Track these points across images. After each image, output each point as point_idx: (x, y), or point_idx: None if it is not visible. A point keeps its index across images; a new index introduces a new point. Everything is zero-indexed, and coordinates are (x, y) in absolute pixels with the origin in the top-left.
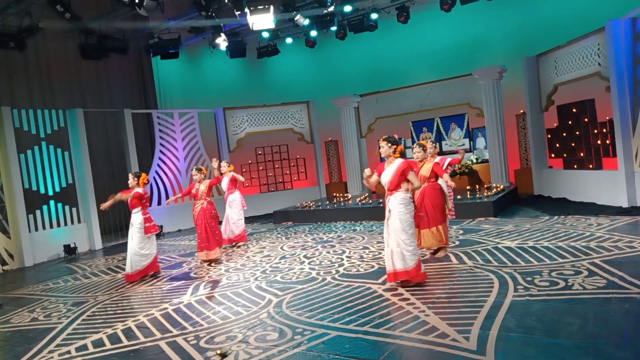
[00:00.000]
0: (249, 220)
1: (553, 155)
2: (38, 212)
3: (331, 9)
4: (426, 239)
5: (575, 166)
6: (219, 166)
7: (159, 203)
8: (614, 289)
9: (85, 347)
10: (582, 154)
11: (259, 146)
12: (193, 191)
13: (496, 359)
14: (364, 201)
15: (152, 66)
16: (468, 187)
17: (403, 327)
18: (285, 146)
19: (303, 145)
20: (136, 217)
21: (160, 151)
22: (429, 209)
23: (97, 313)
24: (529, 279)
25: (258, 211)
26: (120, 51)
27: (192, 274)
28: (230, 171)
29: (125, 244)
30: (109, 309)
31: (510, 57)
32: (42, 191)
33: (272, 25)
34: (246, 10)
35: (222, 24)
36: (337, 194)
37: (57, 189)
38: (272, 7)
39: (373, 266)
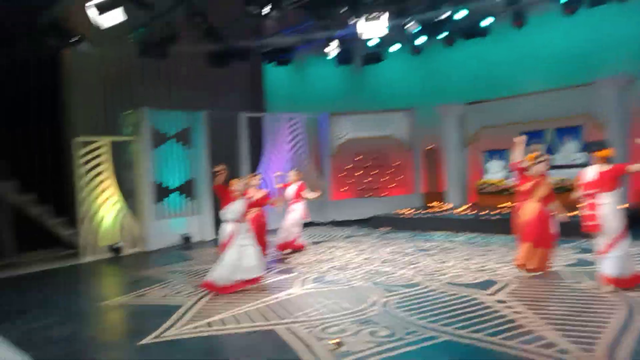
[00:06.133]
0: (344, 224)
1: None
2: (161, 202)
3: (447, 14)
4: None
5: None
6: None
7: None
8: None
9: (212, 324)
10: None
11: (358, 152)
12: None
13: None
14: (465, 212)
15: (263, 72)
16: None
17: (519, 338)
18: (384, 153)
19: (402, 152)
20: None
21: (269, 152)
22: None
23: (217, 297)
24: None
25: (353, 216)
26: (240, 58)
27: (295, 270)
28: (297, 180)
29: None
30: (228, 294)
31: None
32: (166, 184)
33: (384, 33)
34: (358, 18)
35: (336, 33)
36: (435, 204)
37: (180, 183)
38: (385, 15)
39: (479, 278)
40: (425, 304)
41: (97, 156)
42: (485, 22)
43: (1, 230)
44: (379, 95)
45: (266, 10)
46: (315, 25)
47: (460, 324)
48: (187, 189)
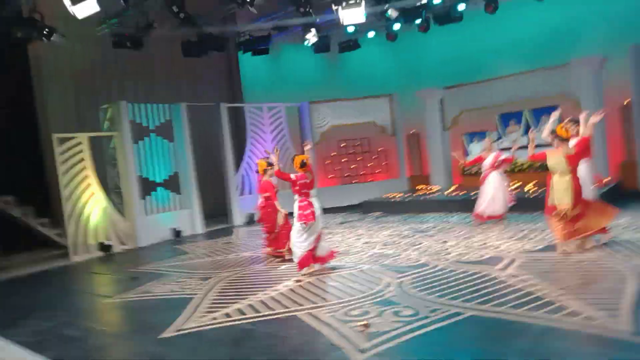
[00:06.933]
0: (334, 210)
1: None
2: (148, 197)
3: (424, 1)
4: None
5: None
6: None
7: (250, 192)
8: None
9: (229, 314)
10: None
11: (341, 139)
12: None
13: None
14: (454, 194)
15: (239, 62)
16: None
17: (543, 309)
18: (367, 139)
19: (385, 138)
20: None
21: (251, 143)
22: None
23: (227, 287)
24: None
25: (341, 202)
26: (216, 48)
27: None
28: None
29: (223, 229)
30: (236, 284)
31: (612, 45)
32: (152, 178)
33: (362, 20)
34: (338, 5)
35: (316, 20)
36: (421, 187)
37: (165, 177)
38: (363, 2)
39: (484, 255)
40: (439, 282)
41: (77, 152)
42: (459, 8)
43: None
44: (358, 82)
45: None
46: (290, 13)
47: (481, 299)
48: (172, 183)
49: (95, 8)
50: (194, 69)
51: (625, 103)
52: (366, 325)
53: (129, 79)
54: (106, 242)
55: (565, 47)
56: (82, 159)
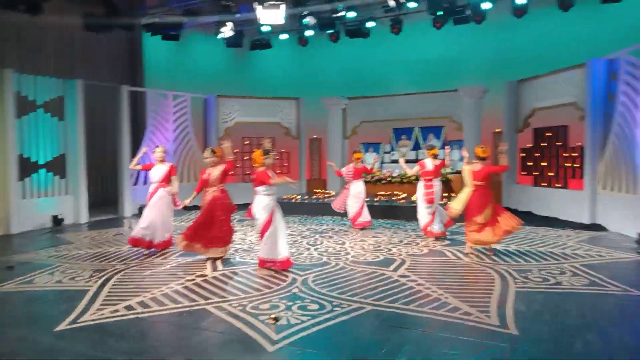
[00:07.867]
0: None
1: (525, 172)
2: (28, 179)
3: (341, 13)
4: None
5: (544, 184)
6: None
7: (145, 182)
8: (597, 287)
9: (132, 307)
10: (551, 174)
11: (245, 136)
12: (204, 176)
13: (519, 332)
14: None
15: (143, 44)
16: (444, 194)
17: (430, 305)
18: (271, 139)
19: (289, 140)
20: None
21: (151, 131)
22: None
23: (124, 280)
24: (524, 275)
25: (239, 200)
26: (123, 27)
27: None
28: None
29: (111, 219)
30: (135, 277)
31: (492, 78)
32: (34, 159)
33: (281, 22)
34: (259, 4)
35: (236, 15)
36: (318, 190)
37: (49, 158)
38: (284, 5)
39: (378, 256)
40: (340, 280)
41: None
42: (368, 25)
43: None
44: (266, 82)
45: None
46: (205, 2)
47: (378, 296)
48: (58, 166)
49: None
50: (93, 45)
51: (497, 130)
52: (275, 319)
53: (22, 46)
54: None
55: (455, 75)
56: None
